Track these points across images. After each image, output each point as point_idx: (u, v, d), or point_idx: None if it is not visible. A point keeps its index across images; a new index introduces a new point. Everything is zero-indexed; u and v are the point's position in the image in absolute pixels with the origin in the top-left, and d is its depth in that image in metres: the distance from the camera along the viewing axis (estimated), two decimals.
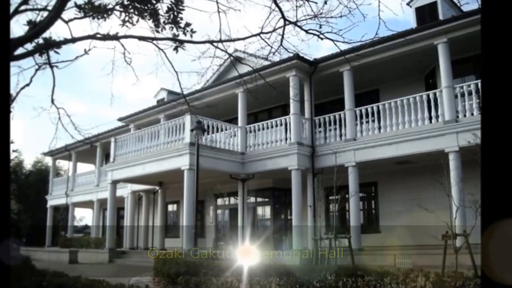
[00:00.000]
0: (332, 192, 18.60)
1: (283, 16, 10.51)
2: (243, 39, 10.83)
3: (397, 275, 9.57)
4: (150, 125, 28.43)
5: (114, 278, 14.61)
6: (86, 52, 10.36)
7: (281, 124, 25.37)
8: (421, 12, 25.00)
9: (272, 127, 25.74)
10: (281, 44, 11.01)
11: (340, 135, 24.12)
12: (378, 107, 22.79)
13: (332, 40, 10.26)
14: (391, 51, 22.26)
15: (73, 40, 9.72)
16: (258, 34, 10.70)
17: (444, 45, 20.63)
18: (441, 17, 23.29)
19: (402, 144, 21.31)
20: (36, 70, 10.35)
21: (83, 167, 50.18)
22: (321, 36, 10.27)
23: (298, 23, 10.58)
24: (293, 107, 24.50)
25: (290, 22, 10.57)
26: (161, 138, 26.19)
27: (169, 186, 31.83)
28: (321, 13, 10.48)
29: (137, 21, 10.06)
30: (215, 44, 10.88)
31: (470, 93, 19.68)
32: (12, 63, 10.15)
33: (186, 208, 23.74)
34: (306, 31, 10.48)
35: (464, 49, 21.05)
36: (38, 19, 9.37)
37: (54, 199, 46.12)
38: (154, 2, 9.97)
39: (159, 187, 32.16)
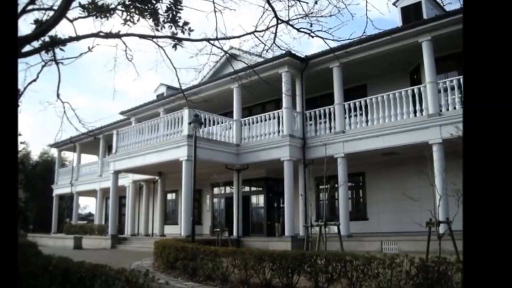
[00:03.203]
0: (322, 182, 18.64)
1: (276, 16, 10.50)
2: (238, 37, 10.84)
3: (383, 260, 9.60)
4: (150, 119, 28.40)
5: (116, 262, 14.63)
6: (89, 49, 10.34)
7: (274, 118, 25.40)
8: (406, 12, 25.02)
9: (265, 120, 25.77)
10: (274, 42, 11.00)
11: (330, 128, 24.17)
12: (365, 101, 22.82)
13: (322, 38, 10.25)
14: (378, 48, 22.28)
15: (78, 38, 9.70)
16: (252, 33, 10.70)
17: (428, 43, 20.67)
18: (425, 16, 23.30)
19: (388, 136, 21.35)
20: (43, 66, 10.33)
21: (87, 158, 50.04)
22: (312, 34, 10.28)
23: (290, 22, 10.58)
24: (285, 101, 24.49)
25: (283, 21, 10.57)
26: (161, 130, 26.20)
27: (168, 176, 31.85)
28: (312, 13, 10.48)
29: (138, 20, 10.05)
30: (212, 42, 10.89)
31: (452, 88, 19.74)
32: (20, 60, 10.11)
33: (184, 197, 23.78)
34: (298, 30, 10.48)
35: (447, 47, 21.08)
36: (44, 18, 9.35)
37: (60, 188, 46.14)
38: (154, 2, 9.95)
39: (159, 177, 32.15)
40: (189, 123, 22.32)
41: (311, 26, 10.38)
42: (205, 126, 25.08)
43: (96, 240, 32.03)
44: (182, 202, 24.15)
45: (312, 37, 10.33)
